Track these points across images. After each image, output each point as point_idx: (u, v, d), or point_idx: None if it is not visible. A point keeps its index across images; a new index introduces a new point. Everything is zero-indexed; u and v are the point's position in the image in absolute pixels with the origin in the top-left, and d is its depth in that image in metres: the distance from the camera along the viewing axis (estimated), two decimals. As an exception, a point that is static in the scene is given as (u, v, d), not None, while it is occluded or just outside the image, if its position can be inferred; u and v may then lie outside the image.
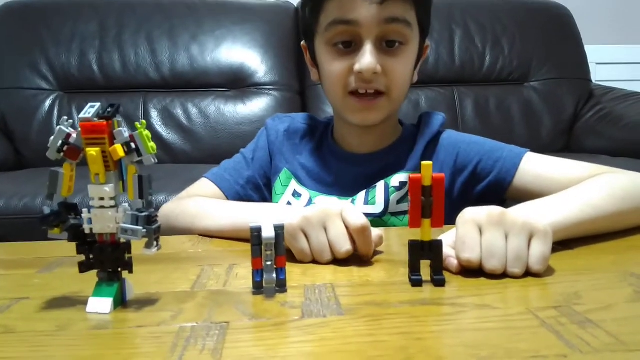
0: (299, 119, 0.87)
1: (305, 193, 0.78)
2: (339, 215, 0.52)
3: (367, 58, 0.67)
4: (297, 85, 1.79)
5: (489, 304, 0.40)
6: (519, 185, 0.71)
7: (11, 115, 1.64)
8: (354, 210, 0.53)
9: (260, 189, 0.83)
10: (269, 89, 1.73)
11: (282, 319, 0.39)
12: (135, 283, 0.44)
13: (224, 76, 1.72)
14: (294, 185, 0.80)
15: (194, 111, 1.68)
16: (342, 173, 0.78)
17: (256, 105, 1.70)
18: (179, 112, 1.67)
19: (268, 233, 0.43)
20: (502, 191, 0.72)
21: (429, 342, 0.35)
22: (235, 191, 0.80)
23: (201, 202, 0.73)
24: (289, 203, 0.79)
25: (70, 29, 1.70)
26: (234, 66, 1.73)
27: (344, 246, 0.51)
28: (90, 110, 0.40)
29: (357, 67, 0.68)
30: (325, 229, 0.52)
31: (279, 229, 0.43)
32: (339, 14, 0.68)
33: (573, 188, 0.60)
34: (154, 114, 1.67)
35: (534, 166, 0.71)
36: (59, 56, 1.68)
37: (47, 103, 1.65)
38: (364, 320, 0.38)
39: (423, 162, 0.44)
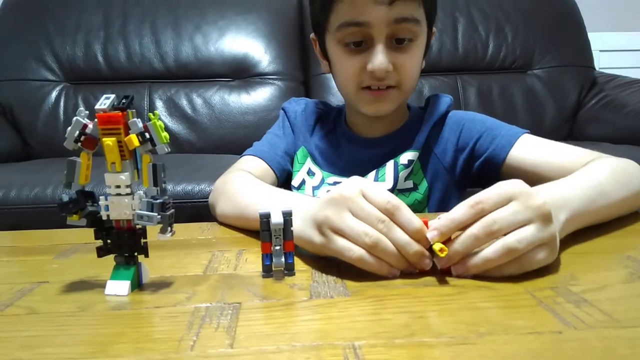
0: (313, 103, 0.90)
1: (319, 173, 0.82)
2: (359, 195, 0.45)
3: (379, 58, 0.70)
4: (301, 75, 1.79)
5: (488, 285, 0.42)
6: (512, 164, 0.72)
7: (18, 106, 1.66)
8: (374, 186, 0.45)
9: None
10: (272, 79, 1.74)
11: (291, 299, 0.41)
12: (150, 267, 0.46)
13: (228, 66, 1.73)
14: (309, 163, 0.83)
15: (198, 101, 1.69)
16: (354, 155, 0.82)
17: (260, 95, 1.71)
18: (183, 102, 1.69)
19: (277, 219, 0.45)
20: (496, 168, 0.74)
21: (430, 319, 0.36)
22: (277, 161, 0.81)
23: (244, 185, 0.69)
24: (303, 181, 0.82)
25: (75, 20, 1.72)
26: (238, 56, 1.74)
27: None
28: (105, 101, 0.42)
29: (369, 66, 0.71)
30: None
31: (287, 215, 0.45)
32: (350, 16, 0.70)
33: (580, 173, 0.57)
34: (159, 105, 1.68)
35: (530, 146, 0.72)
36: (64, 47, 1.69)
37: (53, 94, 1.67)
38: (369, 301, 0.40)
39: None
